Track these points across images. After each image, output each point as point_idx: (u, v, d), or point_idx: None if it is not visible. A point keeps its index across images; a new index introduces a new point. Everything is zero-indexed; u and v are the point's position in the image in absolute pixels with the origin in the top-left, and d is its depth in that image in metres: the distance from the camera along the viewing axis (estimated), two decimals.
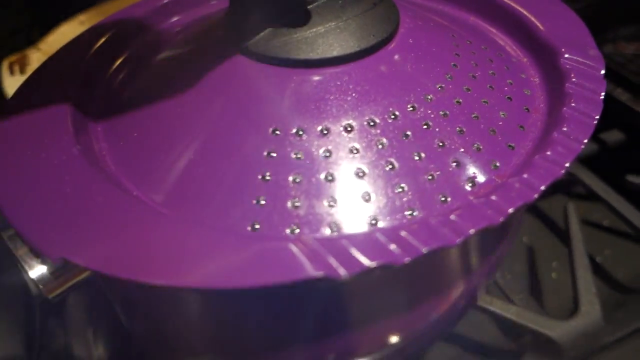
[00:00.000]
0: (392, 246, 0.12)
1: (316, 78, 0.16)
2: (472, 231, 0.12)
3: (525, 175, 0.14)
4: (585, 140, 0.15)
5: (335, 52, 0.16)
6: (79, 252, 0.12)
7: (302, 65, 0.16)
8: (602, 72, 0.18)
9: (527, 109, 0.18)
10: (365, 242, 0.12)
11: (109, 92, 0.19)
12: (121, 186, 0.15)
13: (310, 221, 0.13)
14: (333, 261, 0.11)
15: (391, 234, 0.12)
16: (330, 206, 0.14)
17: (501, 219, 0.12)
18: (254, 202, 0.14)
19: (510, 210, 0.13)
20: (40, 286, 0.12)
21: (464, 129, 0.16)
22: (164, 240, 0.12)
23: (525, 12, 0.20)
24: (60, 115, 0.16)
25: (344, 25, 0.16)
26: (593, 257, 0.31)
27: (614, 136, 0.35)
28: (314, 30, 0.16)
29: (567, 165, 0.14)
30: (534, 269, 0.31)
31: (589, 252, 0.27)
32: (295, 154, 0.14)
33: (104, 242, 0.12)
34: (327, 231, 0.13)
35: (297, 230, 0.13)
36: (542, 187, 0.13)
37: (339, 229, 0.13)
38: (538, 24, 0.20)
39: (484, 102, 0.17)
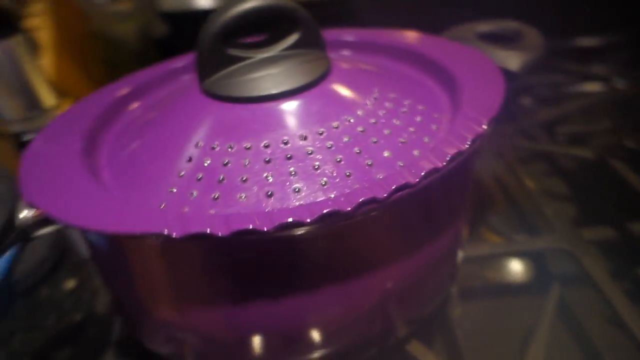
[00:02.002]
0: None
1: (245, 111, 0.21)
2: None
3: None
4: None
5: (271, 91, 0.21)
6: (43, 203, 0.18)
7: (240, 101, 0.21)
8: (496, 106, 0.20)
9: (436, 127, 0.21)
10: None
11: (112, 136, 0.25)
12: (106, 187, 0.21)
13: (200, 205, 0.18)
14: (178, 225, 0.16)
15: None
16: (215, 199, 0.18)
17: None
18: (169, 190, 0.19)
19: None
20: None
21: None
22: (96, 206, 0.18)
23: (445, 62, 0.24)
24: (75, 145, 0.22)
25: (281, 71, 0.21)
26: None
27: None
28: (262, 73, 0.21)
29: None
30: None
31: None
32: (205, 161, 0.19)
33: (61, 202, 0.18)
34: (212, 212, 0.18)
35: (187, 209, 0.18)
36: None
37: (218, 210, 0.18)
38: (456, 71, 0.23)
39: (396, 122, 0.21)
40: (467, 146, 0.18)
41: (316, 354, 0.22)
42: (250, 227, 0.15)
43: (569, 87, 0.54)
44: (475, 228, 0.39)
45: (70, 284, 0.39)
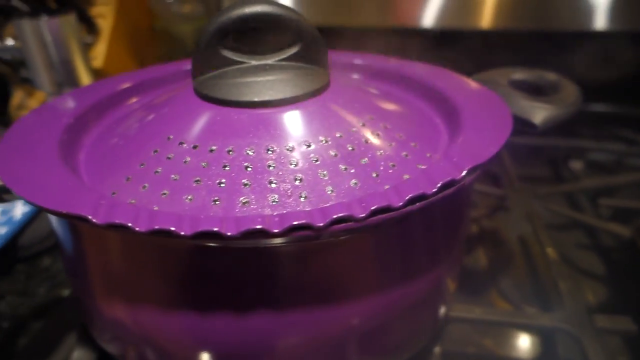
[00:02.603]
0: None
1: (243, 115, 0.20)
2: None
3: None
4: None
5: (255, 97, 0.20)
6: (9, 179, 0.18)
7: (222, 104, 0.20)
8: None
9: (429, 154, 0.20)
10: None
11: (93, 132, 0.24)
12: (79, 177, 0.20)
13: (145, 198, 0.17)
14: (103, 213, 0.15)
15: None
16: (162, 195, 0.18)
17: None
18: (125, 178, 0.19)
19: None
20: None
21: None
22: (52, 187, 0.18)
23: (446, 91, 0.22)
24: (59, 126, 0.22)
25: (273, 80, 0.21)
26: None
27: None
28: (252, 79, 0.21)
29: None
30: None
31: None
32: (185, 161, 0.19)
33: (18, 173, 0.18)
34: (155, 208, 0.17)
35: (134, 201, 0.17)
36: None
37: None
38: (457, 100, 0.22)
39: (378, 153, 0.19)
40: (433, 191, 0.16)
41: None
42: (216, 229, 0.14)
43: (627, 158, 0.49)
44: (484, 289, 0.36)
45: None
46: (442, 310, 0.25)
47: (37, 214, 0.40)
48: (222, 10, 0.21)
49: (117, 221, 0.15)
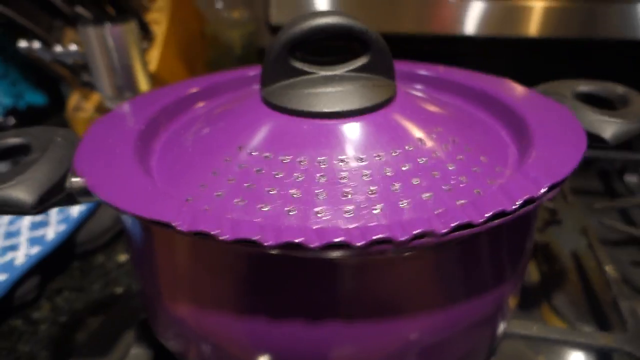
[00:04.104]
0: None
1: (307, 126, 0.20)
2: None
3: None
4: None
5: (324, 109, 0.20)
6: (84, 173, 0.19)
7: (293, 114, 0.21)
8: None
9: (499, 169, 0.20)
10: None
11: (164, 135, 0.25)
12: (148, 172, 0.21)
13: (221, 206, 0.18)
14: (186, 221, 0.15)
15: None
16: (237, 204, 0.18)
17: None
18: (199, 185, 0.19)
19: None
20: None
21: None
22: (127, 187, 0.18)
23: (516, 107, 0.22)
24: (134, 130, 0.22)
25: (342, 91, 0.21)
26: None
27: None
28: (322, 90, 0.21)
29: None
30: None
31: None
32: (258, 170, 0.19)
33: (100, 176, 0.19)
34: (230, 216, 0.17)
35: (208, 208, 0.18)
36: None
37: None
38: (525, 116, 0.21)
39: (450, 167, 0.19)
40: (513, 208, 0.16)
41: None
42: (298, 241, 0.15)
43: None
44: (536, 306, 0.35)
45: (123, 257, 0.41)
46: (502, 327, 0.24)
47: (93, 212, 0.42)
48: (292, 21, 0.21)
49: (202, 229, 0.15)
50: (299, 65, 0.21)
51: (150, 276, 0.22)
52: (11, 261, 0.35)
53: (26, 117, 0.60)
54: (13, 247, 0.36)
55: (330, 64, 0.22)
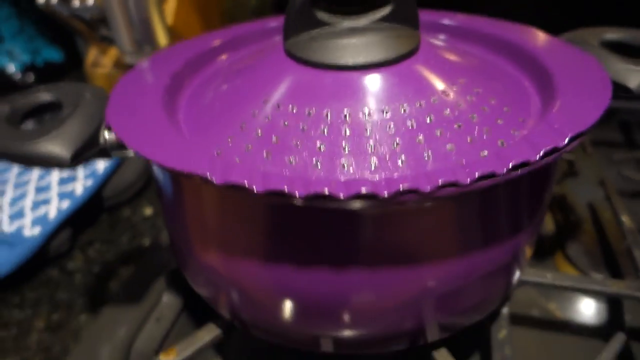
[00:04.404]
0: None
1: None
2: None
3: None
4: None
5: (349, 60, 0.20)
6: (118, 128, 0.20)
7: (317, 66, 0.21)
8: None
9: (522, 119, 0.20)
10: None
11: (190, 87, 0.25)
12: (177, 125, 0.22)
13: (250, 158, 0.18)
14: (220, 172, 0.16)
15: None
16: (266, 157, 0.18)
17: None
18: (227, 139, 0.20)
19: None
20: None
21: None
22: (160, 140, 0.19)
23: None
24: (162, 84, 0.23)
25: (366, 42, 0.21)
26: None
27: None
28: (346, 41, 0.21)
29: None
30: None
31: None
32: (284, 123, 0.19)
33: (133, 130, 0.20)
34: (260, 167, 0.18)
35: (238, 161, 0.18)
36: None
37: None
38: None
39: (472, 118, 0.20)
40: (536, 158, 0.16)
41: (345, 333, 0.22)
42: (326, 191, 0.15)
43: None
44: (550, 254, 0.36)
45: (148, 210, 0.43)
46: (517, 275, 0.25)
47: (118, 168, 0.43)
48: None
49: (234, 181, 0.16)
50: (322, 15, 0.21)
51: (181, 226, 0.23)
52: (45, 215, 0.37)
53: (44, 74, 0.60)
54: (45, 202, 0.37)
55: (354, 13, 0.21)
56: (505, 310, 0.29)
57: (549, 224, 0.38)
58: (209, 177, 0.16)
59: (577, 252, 0.35)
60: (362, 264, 0.19)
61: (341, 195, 0.15)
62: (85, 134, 0.20)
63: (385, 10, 0.21)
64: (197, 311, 0.31)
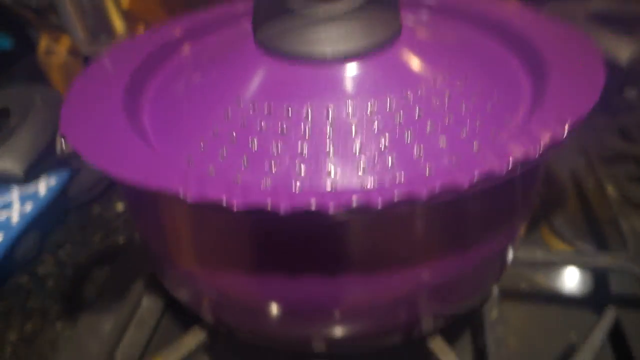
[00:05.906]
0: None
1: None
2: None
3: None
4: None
5: (327, 51, 0.19)
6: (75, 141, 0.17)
7: (293, 58, 0.19)
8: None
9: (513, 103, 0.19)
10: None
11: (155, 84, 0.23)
12: (144, 134, 0.20)
13: (226, 167, 0.17)
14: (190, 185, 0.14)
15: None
16: (244, 163, 0.17)
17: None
18: (200, 145, 0.18)
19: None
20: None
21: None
22: (124, 153, 0.17)
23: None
24: (120, 84, 0.21)
25: (345, 30, 0.19)
26: None
27: None
28: (322, 29, 0.19)
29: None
30: None
31: None
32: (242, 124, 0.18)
33: (91, 142, 0.17)
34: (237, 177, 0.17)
35: (212, 169, 0.17)
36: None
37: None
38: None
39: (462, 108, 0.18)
40: (537, 155, 0.15)
41: (336, 335, 0.21)
42: (313, 207, 0.14)
43: None
44: (535, 227, 0.36)
45: (120, 206, 0.41)
46: (511, 255, 0.25)
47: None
48: None
49: (210, 196, 0.14)
50: (295, 1, 0.19)
51: (154, 237, 0.21)
52: (7, 220, 0.34)
53: None
54: (6, 206, 0.35)
55: None
56: (495, 290, 0.29)
57: None
58: (181, 195, 0.14)
59: (562, 224, 0.35)
60: (352, 267, 0.18)
61: (330, 209, 0.14)
62: (38, 146, 0.19)
63: None
64: (180, 313, 0.30)
